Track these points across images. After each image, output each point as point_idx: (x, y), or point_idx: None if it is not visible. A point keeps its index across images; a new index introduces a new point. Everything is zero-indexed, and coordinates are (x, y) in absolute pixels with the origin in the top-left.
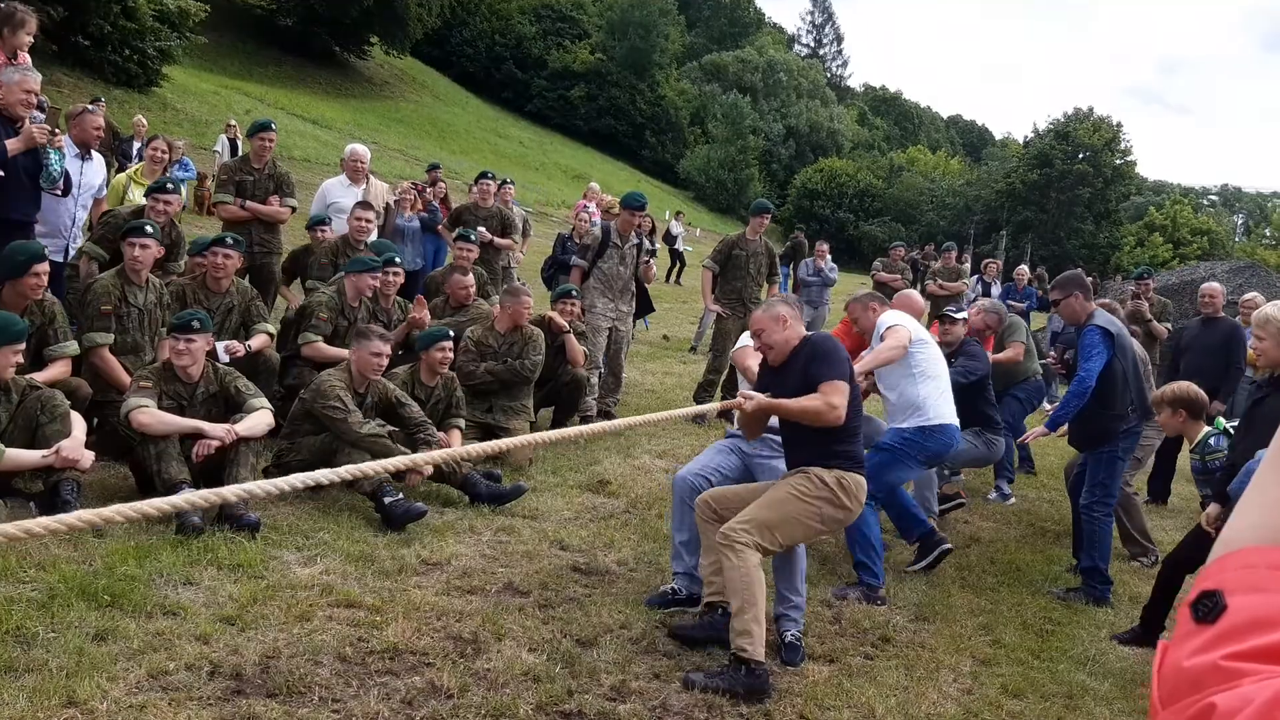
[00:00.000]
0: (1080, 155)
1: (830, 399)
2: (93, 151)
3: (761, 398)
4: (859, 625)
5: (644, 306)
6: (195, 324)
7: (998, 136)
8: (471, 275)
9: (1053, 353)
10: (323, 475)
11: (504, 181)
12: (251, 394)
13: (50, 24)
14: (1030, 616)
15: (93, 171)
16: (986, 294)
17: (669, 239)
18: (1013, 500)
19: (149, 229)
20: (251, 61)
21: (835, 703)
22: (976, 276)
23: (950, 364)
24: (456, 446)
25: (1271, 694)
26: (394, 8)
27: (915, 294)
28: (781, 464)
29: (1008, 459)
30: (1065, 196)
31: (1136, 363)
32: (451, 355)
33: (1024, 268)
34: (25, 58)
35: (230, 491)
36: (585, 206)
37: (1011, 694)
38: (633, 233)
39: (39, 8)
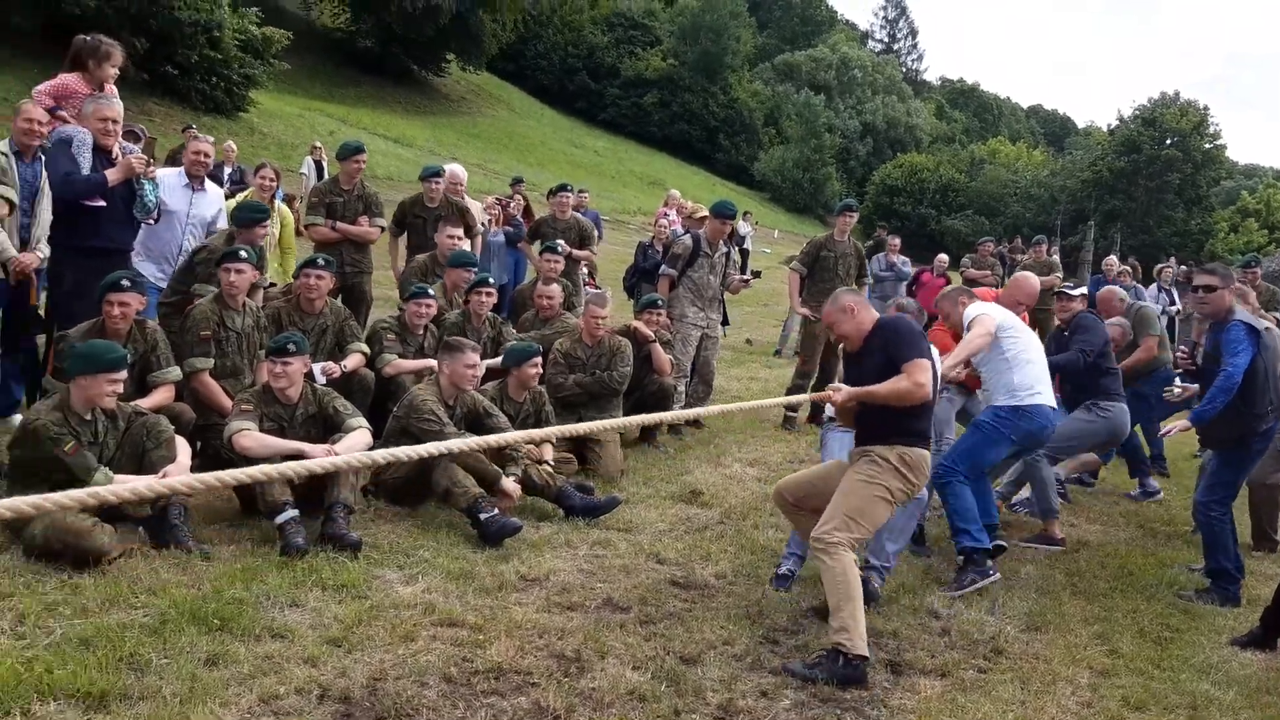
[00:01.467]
0: (1169, 140)
1: (915, 378)
2: (206, 181)
3: (849, 388)
4: (969, 637)
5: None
6: (292, 346)
7: (1081, 125)
8: (556, 286)
9: (1182, 348)
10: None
11: (576, 190)
12: (349, 413)
13: (140, 54)
14: (1147, 623)
15: (205, 203)
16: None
17: (738, 239)
18: (1160, 495)
19: (243, 254)
20: (332, 83)
21: (950, 719)
22: (1095, 277)
23: (1068, 342)
24: (548, 458)
25: None
26: (469, 25)
27: (1031, 276)
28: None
29: (1142, 455)
30: (1154, 183)
31: (1276, 360)
32: (539, 371)
33: (1113, 258)
34: (112, 89)
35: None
36: (665, 214)
37: (1133, 706)
38: (721, 241)
39: (128, 39)
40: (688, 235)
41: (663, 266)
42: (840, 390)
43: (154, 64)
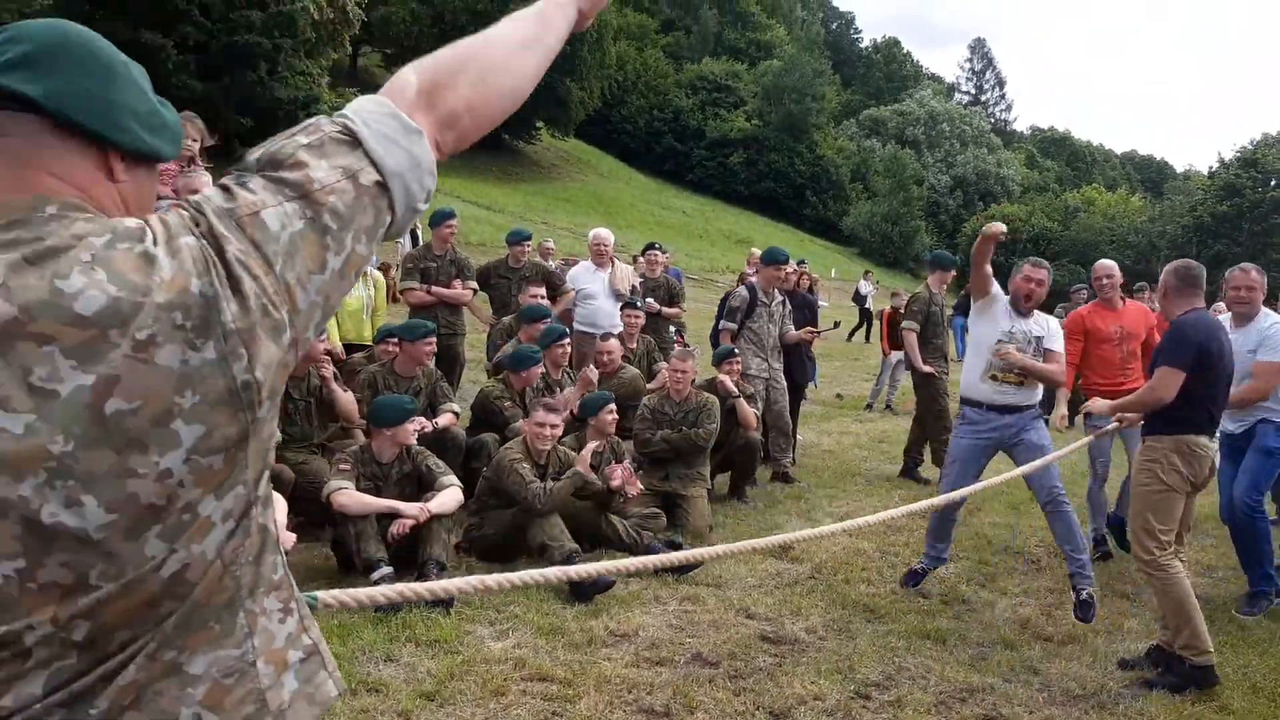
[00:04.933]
0: (1273, 182)
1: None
2: None
3: (1104, 403)
4: (1070, 693)
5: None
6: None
7: (1179, 169)
8: (615, 342)
9: None
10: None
11: (650, 247)
12: (442, 471)
13: (246, 131)
14: (1260, 679)
15: None
16: None
17: (858, 298)
18: None
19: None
20: None
21: None
22: None
23: None
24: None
25: None
26: (557, 93)
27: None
28: (1032, 433)
29: None
30: (1259, 227)
31: None
32: (615, 417)
33: (1220, 304)
34: (199, 163)
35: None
36: (749, 272)
37: None
38: (775, 289)
39: (235, 118)
40: (743, 287)
41: (721, 321)
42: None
43: (259, 141)
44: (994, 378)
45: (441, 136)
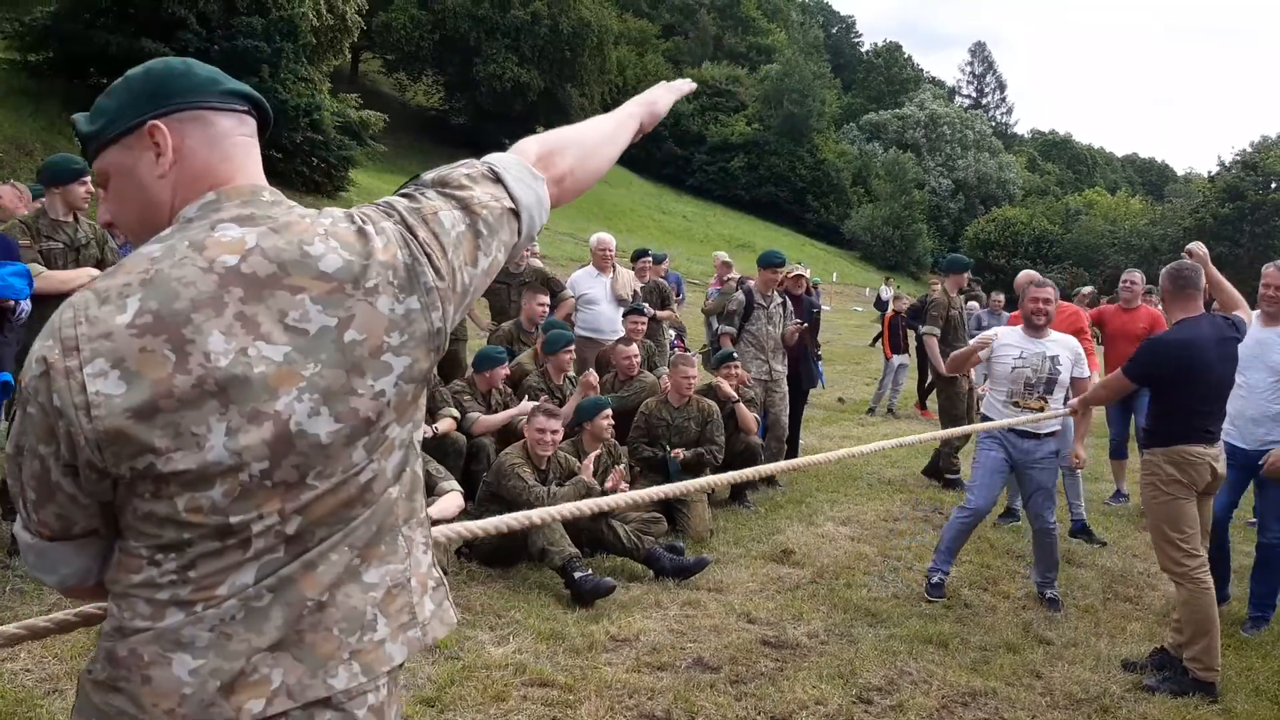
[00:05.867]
0: (1274, 184)
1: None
2: None
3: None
4: (1072, 697)
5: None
6: None
7: (1180, 172)
8: (636, 346)
9: None
10: (491, 524)
11: (642, 254)
12: (442, 476)
13: None
14: (1263, 681)
15: None
16: None
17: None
18: None
19: None
20: (428, 159)
21: None
22: None
23: None
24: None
25: None
26: (557, 99)
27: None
28: (1040, 448)
29: None
30: (1261, 229)
31: None
32: (611, 423)
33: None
34: None
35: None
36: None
37: None
38: (774, 291)
39: None
40: (740, 291)
41: (719, 326)
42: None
43: (261, 147)
44: (1016, 404)
45: (550, 190)
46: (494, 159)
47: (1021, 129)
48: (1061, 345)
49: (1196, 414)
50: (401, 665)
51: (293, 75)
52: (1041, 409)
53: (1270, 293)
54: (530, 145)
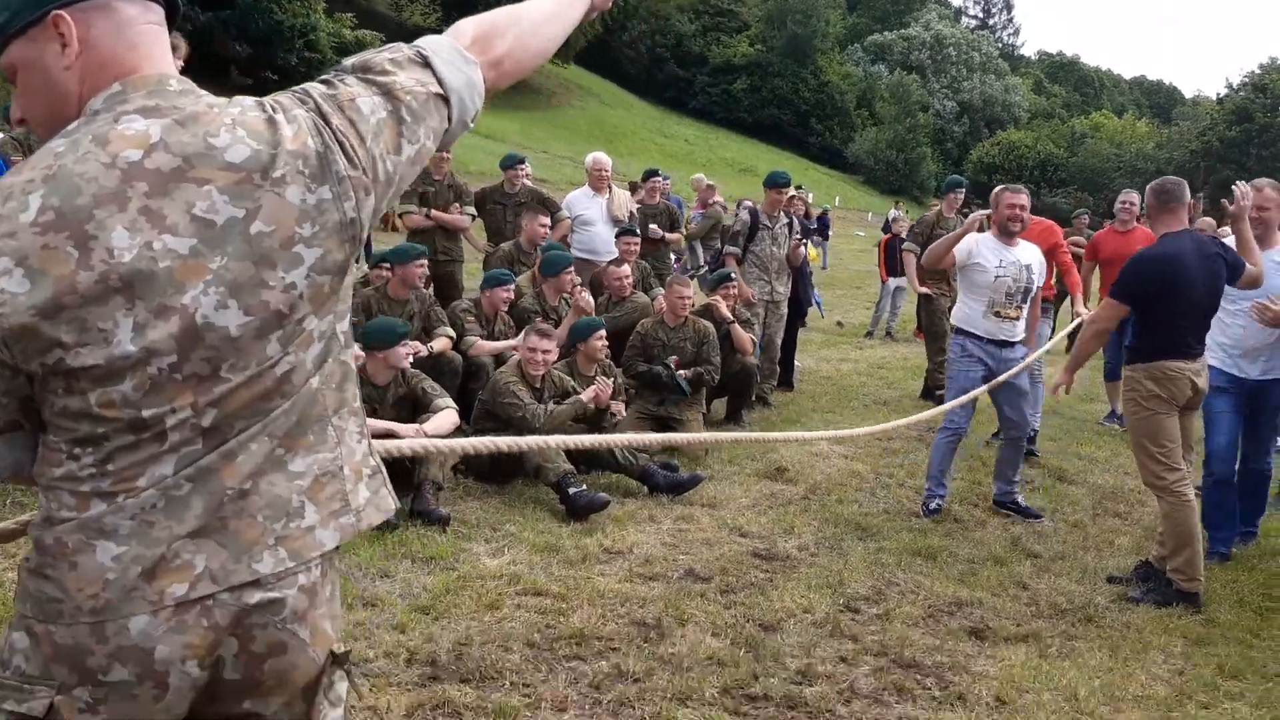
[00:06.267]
0: None
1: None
2: None
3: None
4: (1057, 606)
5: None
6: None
7: (1188, 95)
8: (628, 267)
9: None
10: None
11: (652, 174)
12: (437, 394)
13: (243, 60)
14: (1247, 593)
15: None
16: None
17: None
18: None
19: None
20: None
21: (1034, 685)
22: None
23: None
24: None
25: None
26: None
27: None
28: (1015, 354)
29: None
30: (1268, 152)
31: None
32: (606, 344)
33: (1225, 229)
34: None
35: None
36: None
37: (1229, 675)
38: (781, 212)
39: (232, 44)
40: (745, 211)
41: (726, 246)
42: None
43: (256, 68)
44: (997, 314)
45: (487, 74)
46: (424, 42)
47: (1028, 50)
48: (1031, 254)
49: (1178, 329)
50: (337, 549)
51: None
52: (1018, 317)
53: (1255, 214)
54: (467, 26)
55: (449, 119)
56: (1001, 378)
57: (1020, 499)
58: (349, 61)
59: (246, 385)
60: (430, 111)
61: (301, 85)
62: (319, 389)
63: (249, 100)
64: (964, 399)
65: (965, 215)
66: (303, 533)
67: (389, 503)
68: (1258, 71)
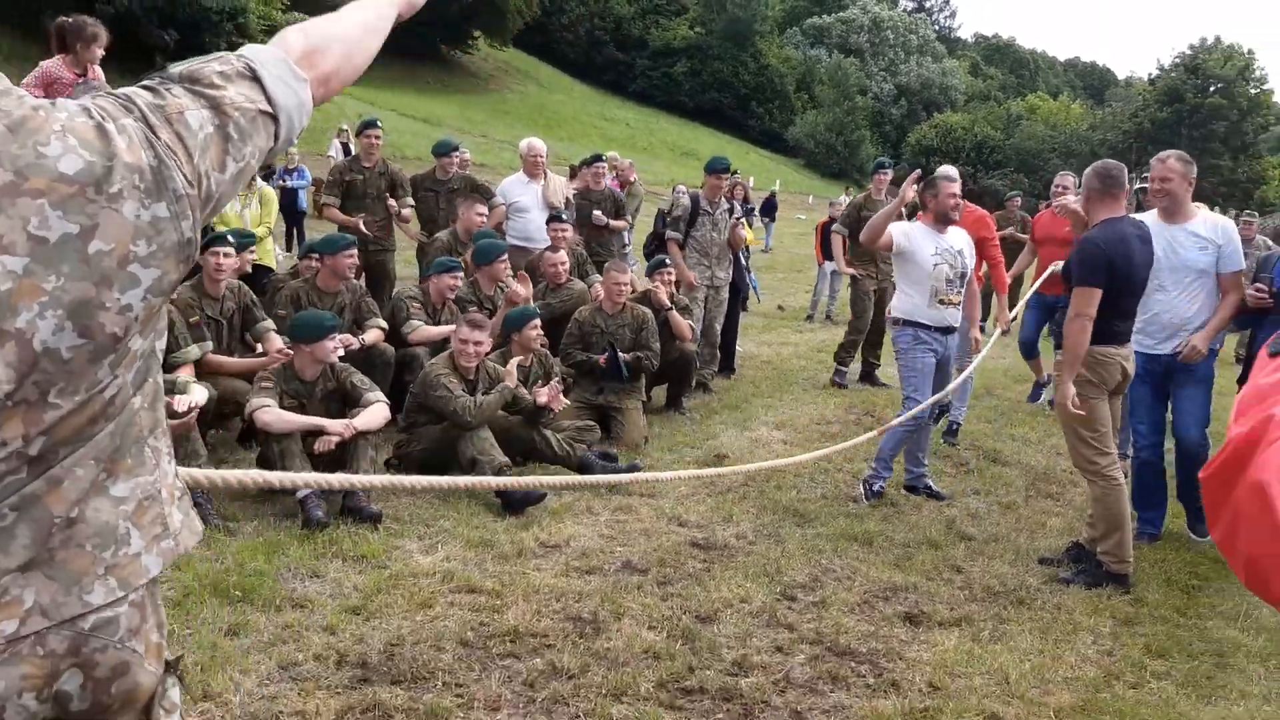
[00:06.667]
0: (1212, 88)
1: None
2: None
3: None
4: (990, 590)
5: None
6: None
7: (1120, 76)
8: (564, 253)
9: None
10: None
11: (595, 159)
12: (367, 388)
13: (171, 48)
14: (1174, 572)
15: None
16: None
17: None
18: None
19: (230, 237)
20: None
21: (966, 669)
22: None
23: None
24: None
25: None
26: (493, 1)
27: None
28: (955, 340)
29: None
30: (1199, 133)
31: None
32: (540, 333)
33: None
34: (98, 72)
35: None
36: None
37: (1156, 654)
38: (721, 197)
39: (158, 33)
40: (685, 195)
41: (667, 231)
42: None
43: (184, 55)
44: (941, 302)
45: (315, 90)
46: (252, 54)
47: (965, 33)
48: (962, 237)
49: (1117, 315)
50: (157, 577)
51: None
52: (958, 303)
53: (1158, 186)
54: (295, 39)
55: (275, 137)
56: (956, 382)
57: (931, 483)
58: (175, 69)
59: (77, 411)
60: (258, 129)
61: (124, 90)
62: (138, 409)
63: (73, 104)
64: (936, 398)
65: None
66: (130, 559)
67: (198, 524)
68: (1188, 52)
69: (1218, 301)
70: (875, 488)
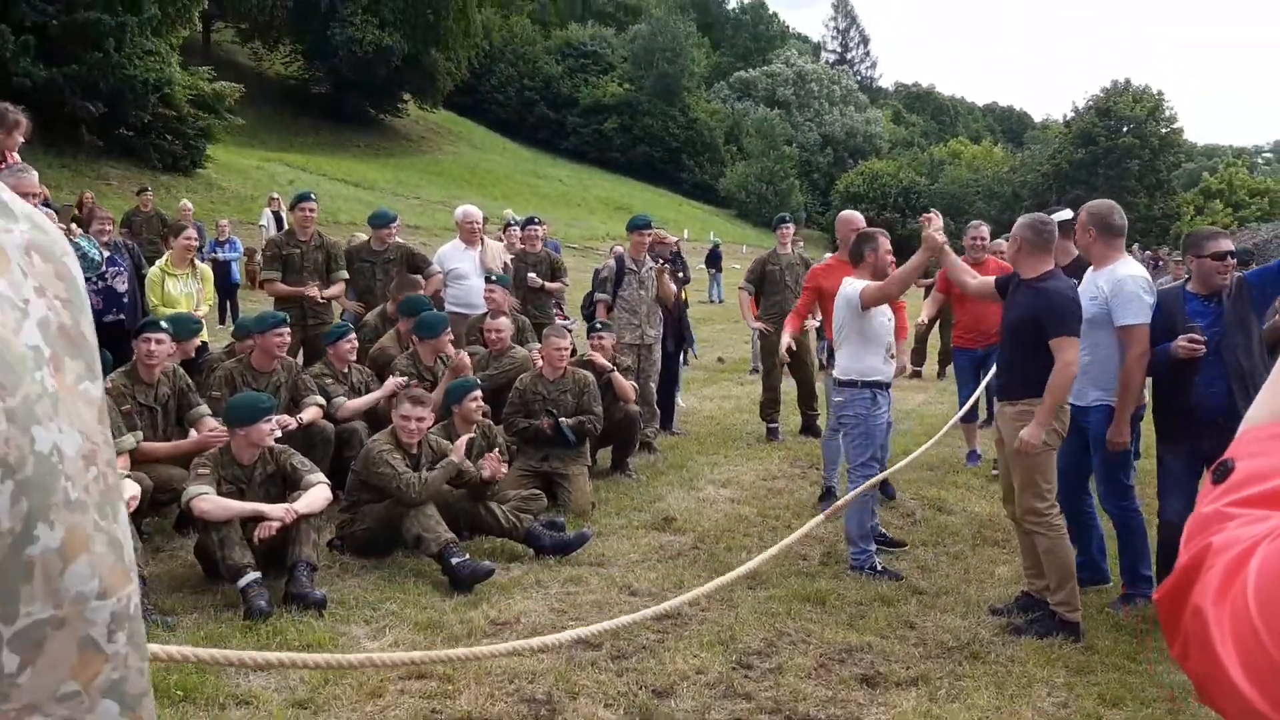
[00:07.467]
0: (1124, 129)
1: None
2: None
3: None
4: (944, 645)
5: (684, 337)
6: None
7: (1037, 119)
8: (505, 319)
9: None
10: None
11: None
12: (307, 470)
13: (95, 119)
14: (1123, 618)
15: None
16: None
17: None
18: None
19: (163, 323)
20: (290, 132)
21: None
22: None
23: None
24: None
25: (1261, 531)
26: (422, 64)
27: None
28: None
29: None
30: (1114, 172)
31: None
32: (481, 404)
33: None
34: (15, 158)
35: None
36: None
37: (1109, 703)
38: (644, 254)
39: (81, 104)
40: (612, 258)
41: (596, 293)
42: None
43: (109, 126)
44: (892, 356)
45: None
46: None
47: (886, 82)
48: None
49: None
50: None
51: (139, 49)
52: (895, 355)
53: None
54: None
55: None
56: (910, 457)
57: (885, 532)
58: None
59: None
60: None
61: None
62: None
63: None
64: (894, 469)
65: (799, 248)
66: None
67: None
68: (1100, 95)
69: (1118, 359)
70: (870, 565)
